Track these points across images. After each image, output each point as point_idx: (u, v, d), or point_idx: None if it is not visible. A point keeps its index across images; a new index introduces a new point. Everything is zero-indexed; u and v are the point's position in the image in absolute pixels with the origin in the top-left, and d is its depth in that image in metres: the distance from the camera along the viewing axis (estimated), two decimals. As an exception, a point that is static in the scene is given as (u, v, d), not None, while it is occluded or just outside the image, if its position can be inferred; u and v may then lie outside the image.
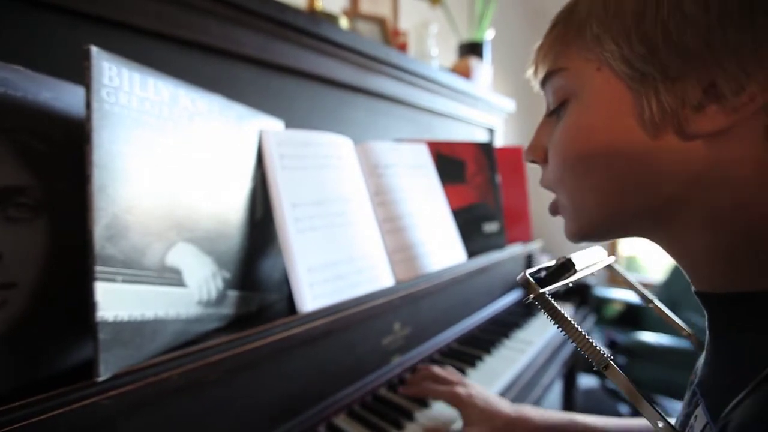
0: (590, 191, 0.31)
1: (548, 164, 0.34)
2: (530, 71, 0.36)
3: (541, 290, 0.30)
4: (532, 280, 0.30)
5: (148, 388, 0.37)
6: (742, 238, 0.26)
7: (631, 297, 1.92)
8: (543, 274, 0.32)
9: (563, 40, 0.31)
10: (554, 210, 0.36)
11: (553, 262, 0.33)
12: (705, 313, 0.31)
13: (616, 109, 0.28)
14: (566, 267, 0.33)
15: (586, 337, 0.29)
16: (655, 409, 0.27)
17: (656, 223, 0.30)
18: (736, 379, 0.25)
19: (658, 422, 0.26)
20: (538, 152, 0.35)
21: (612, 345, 1.65)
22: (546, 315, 0.29)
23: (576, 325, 0.29)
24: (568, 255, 0.33)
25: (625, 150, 0.28)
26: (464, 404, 0.54)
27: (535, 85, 0.36)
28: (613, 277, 2.73)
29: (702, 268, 0.30)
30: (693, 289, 0.32)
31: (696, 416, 0.29)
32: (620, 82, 0.28)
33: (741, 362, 0.26)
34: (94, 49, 0.36)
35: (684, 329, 0.42)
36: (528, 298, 0.30)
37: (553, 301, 0.29)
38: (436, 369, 0.62)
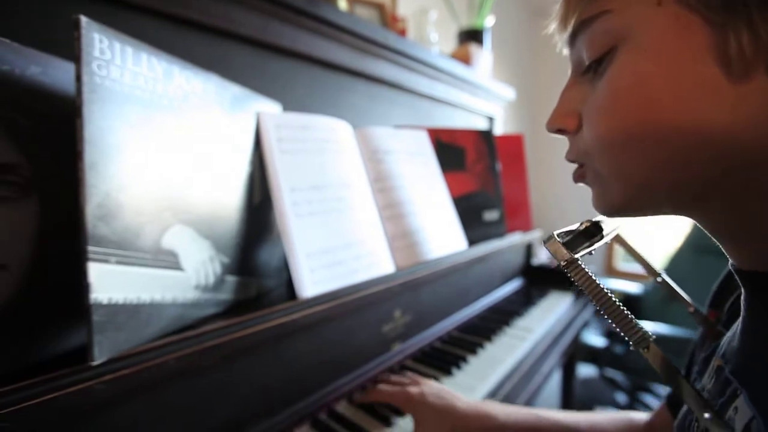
0: (645, 156, 0.25)
1: (581, 132, 0.29)
2: (554, 25, 0.30)
3: (574, 255, 0.26)
4: (560, 242, 0.26)
5: (144, 372, 0.36)
6: None
7: (631, 288, 1.92)
8: (566, 239, 0.29)
9: None
10: (581, 177, 0.30)
11: (575, 227, 0.30)
12: (743, 293, 0.28)
13: (687, 49, 0.23)
14: (592, 232, 0.29)
15: (624, 311, 0.25)
16: (701, 397, 0.24)
17: (712, 192, 0.25)
18: None
19: (705, 414, 0.24)
20: (569, 119, 0.29)
21: (611, 334, 1.66)
22: (578, 284, 0.25)
23: (612, 297, 0.25)
24: (593, 219, 0.31)
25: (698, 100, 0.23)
26: (416, 403, 0.51)
27: (560, 42, 0.30)
28: (611, 267, 2.74)
29: (748, 243, 0.27)
30: (731, 265, 0.29)
31: (736, 407, 0.26)
32: (693, 16, 0.23)
33: None
34: (84, 20, 0.34)
35: (690, 304, 0.40)
36: (559, 265, 0.26)
37: (586, 269, 0.26)
38: (392, 376, 0.60)
